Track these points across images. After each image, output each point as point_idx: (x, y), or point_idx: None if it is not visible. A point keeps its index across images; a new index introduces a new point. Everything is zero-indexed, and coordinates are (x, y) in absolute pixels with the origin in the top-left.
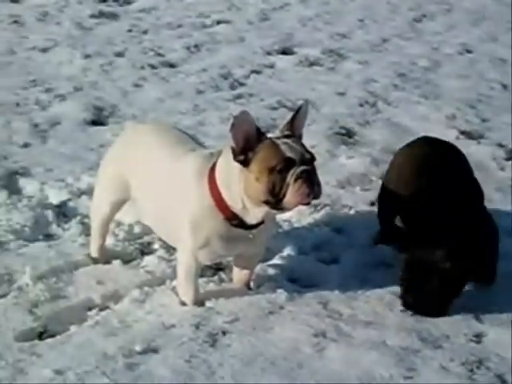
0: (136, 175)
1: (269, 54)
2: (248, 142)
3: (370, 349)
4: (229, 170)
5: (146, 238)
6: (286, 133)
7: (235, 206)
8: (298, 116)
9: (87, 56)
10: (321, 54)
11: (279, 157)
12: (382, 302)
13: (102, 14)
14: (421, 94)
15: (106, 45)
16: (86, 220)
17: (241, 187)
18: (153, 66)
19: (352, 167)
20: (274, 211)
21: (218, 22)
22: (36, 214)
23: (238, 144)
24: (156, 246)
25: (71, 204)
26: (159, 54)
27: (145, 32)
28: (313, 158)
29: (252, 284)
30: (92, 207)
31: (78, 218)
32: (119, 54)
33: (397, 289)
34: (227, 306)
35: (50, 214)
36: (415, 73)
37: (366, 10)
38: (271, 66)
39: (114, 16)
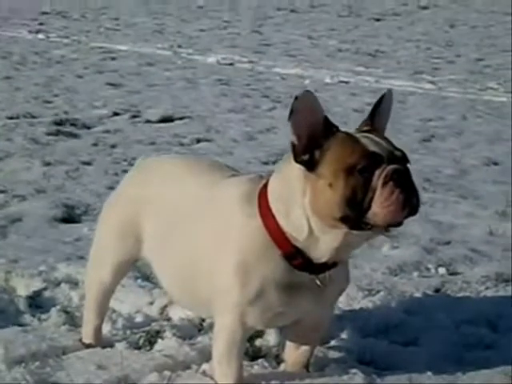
0: (152, 219)
1: (265, 163)
2: (314, 136)
3: None
4: (287, 184)
5: (154, 326)
6: (365, 128)
7: (298, 234)
8: (380, 109)
9: (48, 164)
10: None
11: (360, 152)
12: None
13: (59, 132)
14: (457, 195)
15: (69, 156)
16: (69, 309)
17: (306, 202)
18: None
19: (401, 256)
20: (355, 233)
21: (198, 141)
22: (3, 302)
23: (300, 138)
24: (168, 334)
25: (47, 294)
26: None
27: (113, 146)
28: (405, 157)
29: (311, 369)
30: (88, 273)
31: (58, 306)
32: (86, 163)
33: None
34: None
35: (21, 301)
36: (442, 179)
37: None
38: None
39: (73, 135)
